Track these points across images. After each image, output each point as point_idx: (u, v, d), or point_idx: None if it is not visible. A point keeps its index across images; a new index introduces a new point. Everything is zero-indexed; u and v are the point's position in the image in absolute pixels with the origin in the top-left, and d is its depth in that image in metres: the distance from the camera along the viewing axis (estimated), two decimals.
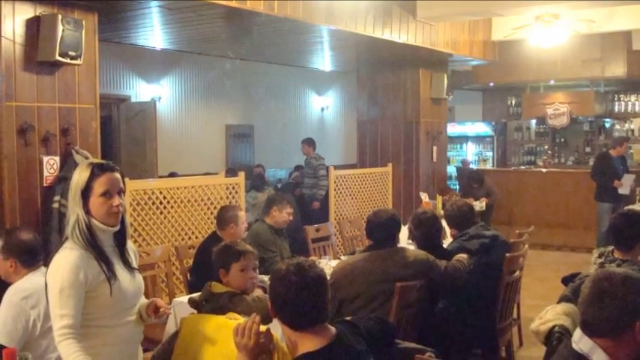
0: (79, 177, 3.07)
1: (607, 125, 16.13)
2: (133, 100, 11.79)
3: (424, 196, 10.29)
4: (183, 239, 7.20)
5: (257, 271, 3.89)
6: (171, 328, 4.69)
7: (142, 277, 3.34)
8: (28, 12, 5.96)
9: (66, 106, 6.30)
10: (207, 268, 4.06)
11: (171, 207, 7.15)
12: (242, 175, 8.01)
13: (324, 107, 16.23)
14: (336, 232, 8.37)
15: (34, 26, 5.96)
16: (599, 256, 4.47)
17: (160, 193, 7.07)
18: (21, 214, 5.94)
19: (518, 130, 17.17)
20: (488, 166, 16.23)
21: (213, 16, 7.66)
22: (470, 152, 17.12)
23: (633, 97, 15.65)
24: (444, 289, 5.05)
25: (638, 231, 4.34)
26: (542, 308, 3.65)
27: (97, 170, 3.07)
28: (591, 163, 12.79)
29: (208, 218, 7.42)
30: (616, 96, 15.79)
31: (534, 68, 13.68)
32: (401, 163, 11.31)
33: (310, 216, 10.43)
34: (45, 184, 6.10)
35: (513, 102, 17.27)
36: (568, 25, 10.00)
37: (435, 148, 11.65)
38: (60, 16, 5.93)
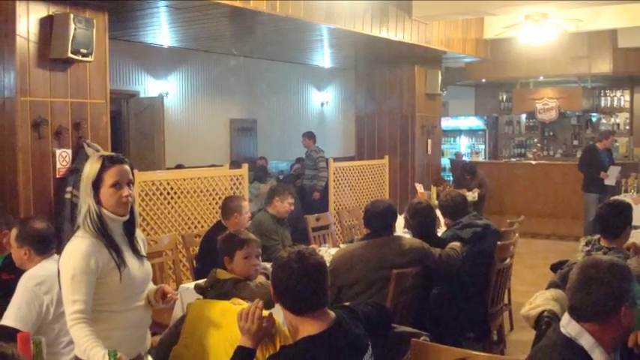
0: (90, 169, 3.06)
1: (594, 119, 16.09)
2: (142, 95, 11.76)
3: (419, 187, 10.28)
4: (189, 228, 7.20)
5: (260, 258, 3.89)
6: (178, 312, 4.69)
7: (150, 264, 3.34)
8: (41, 11, 5.96)
9: (78, 101, 6.30)
10: (213, 256, 4.07)
11: (178, 197, 7.15)
12: (245, 167, 8.00)
13: (323, 102, 16.20)
14: (335, 221, 8.37)
15: (47, 25, 5.96)
16: (586, 245, 4.46)
17: (168, 184, 7.06)
18: (35, 204, 5.95)
19: (509, 124, 17.15)
20: (481, 158, 16.20)
21: (218, 15, 7.64)
22: (463, 145, 17.09)
23: (619, 93, 15.61)
24: (438, 275, 5.05)
25: (624, 220, 4.35)
26: (531, 294, 3.66)
27: (107, 162, 3.06)
28: (579, 155, 12.75)
29: (213, 208, 7.41)
30: (602, 91, 15.74)
31: (524, 65, 13.66)
32: (397, 155, 11.32)
33: (311, 206, 10.42)
34: (58, 176, 6.10)
35: (504, 97, 17.21)
36: (556, 23, 9.98)
37: (429, 141, 11.65)
38: (72, 16, 5.93)
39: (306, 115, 15.69)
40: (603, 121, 15.89)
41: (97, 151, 6.06)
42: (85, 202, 3.05)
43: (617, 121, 15.70)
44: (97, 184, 3.04)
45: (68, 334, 3.01)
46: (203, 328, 3.24)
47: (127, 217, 3.12)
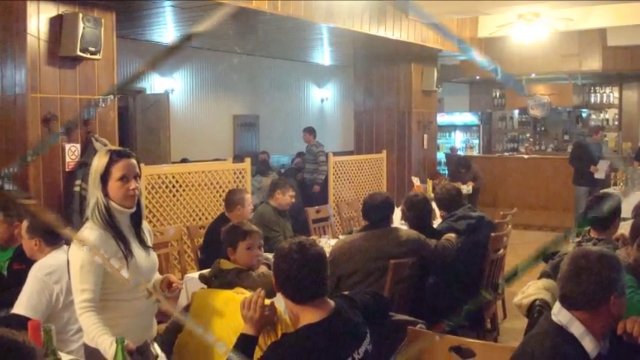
0: (99, 163, 3.06)
1: (584, 115, 16.08)
2: (148, 92, 11.75)
3: (416, 181, 10.27)
4: (194, 220, 7.20)
5: (262, 249, 3.88)
6: (183, 301, 4.69)
7: (156, 255, 3.34)
8: (51, 11, 5.95)
9: (86, 97, 6.29)
10: (216, 247, 4.06)
11: (183, 190, 7.15)
12: (248, 161, 8.00)
13: (323, 98, 16.18)
14: (334, 213, 8.37)
15: (57, 24, 5.95)
16: (577, 236, 4.46)
17: (173, 177, 7.06)
18: (45, 197, 5.94)
19: (502, 120, 17.15)
20: (475, 152, 16.20)
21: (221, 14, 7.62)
22: (458, 140, 17.08)
23: (608, 89, 15.61)
24: (434, 265, 5.04)
25: (612, 213, 4.34)
26: (524, 284, 3.65)
27: (114, 156, 3.05)
28: (569, 150, 12.76)
29: (217, 201, 7.41)
30: (592, 88, 15.74)
31: (517, 62, 13.61)
32: (394, 150, 11.30)
33: (311, 199, 10.41)
34: (67, 170, 6.10)
35: (498, 94, 17.22)
36: (548, 22, 9.96)
37: (425, 136, 11.64)
38: (81, 15, 5.93)
39: (306, 110, 15.67)
40: (593, 116, 15.88)
41: (105, 145, 6.05)
42: (94, 194, 3.04)
43: (607, 116, 15.70)
44: (105, 178, 3.03)
45: (77, 321, 3.01)
46: (207, 317, 3.24)
47: (133, 210, 3.12)
